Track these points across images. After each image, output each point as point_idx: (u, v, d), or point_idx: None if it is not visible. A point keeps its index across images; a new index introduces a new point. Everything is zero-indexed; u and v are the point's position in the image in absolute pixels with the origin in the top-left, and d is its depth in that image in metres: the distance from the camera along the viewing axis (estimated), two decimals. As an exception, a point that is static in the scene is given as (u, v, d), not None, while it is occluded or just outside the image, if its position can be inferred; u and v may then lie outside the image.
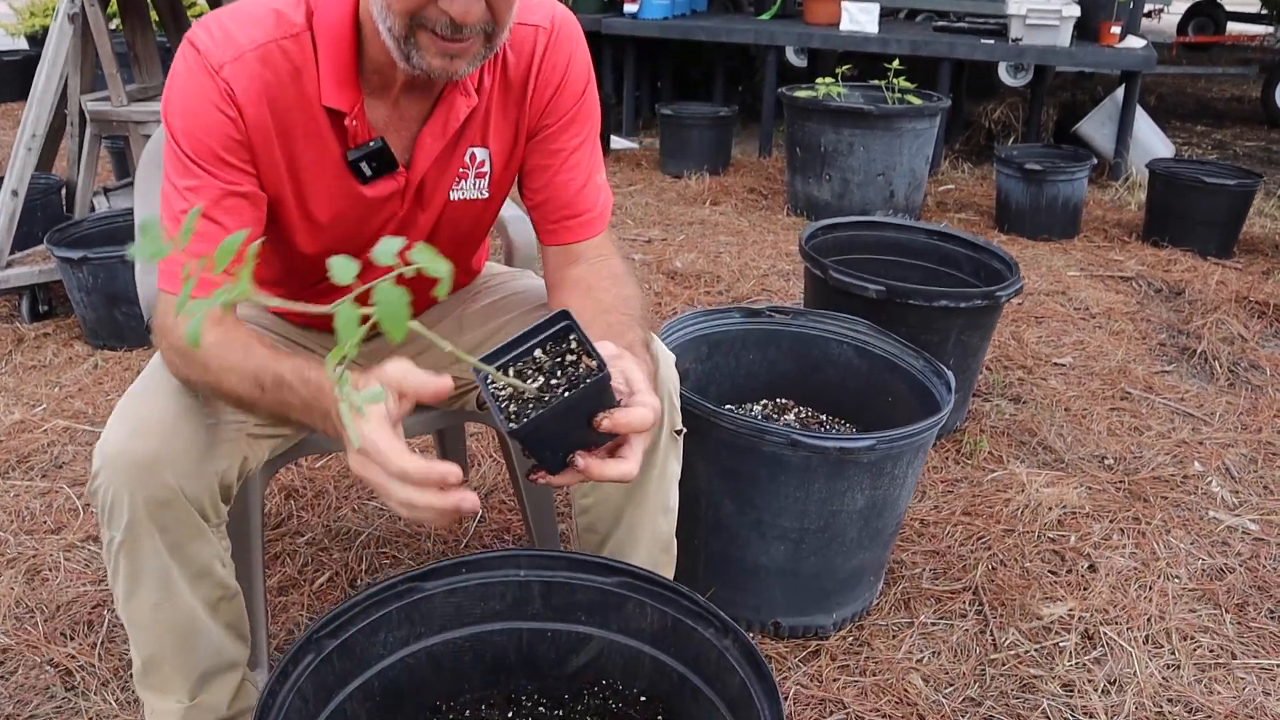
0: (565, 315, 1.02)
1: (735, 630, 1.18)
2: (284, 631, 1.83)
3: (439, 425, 1.88)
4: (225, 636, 1.30)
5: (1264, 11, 9.83)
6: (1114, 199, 4.83)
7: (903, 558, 2.07)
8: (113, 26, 3.76)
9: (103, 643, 1.79)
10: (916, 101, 4.25)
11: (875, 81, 4.50)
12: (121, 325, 2.95)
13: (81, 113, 3.37)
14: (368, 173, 1.24)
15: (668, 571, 1.51)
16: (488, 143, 1.30)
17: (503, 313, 1.49)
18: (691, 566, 1.86)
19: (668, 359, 1.37)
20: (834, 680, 1.74)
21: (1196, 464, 2.48)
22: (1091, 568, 2.07)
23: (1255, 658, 1.84)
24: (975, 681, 1.77)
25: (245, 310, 1.47)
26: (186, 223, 0.69)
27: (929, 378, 1.90)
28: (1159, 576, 2.05)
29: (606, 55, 6.08)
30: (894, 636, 1.86)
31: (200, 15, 4.23)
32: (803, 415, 2.13)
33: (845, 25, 5.31)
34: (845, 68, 4.53)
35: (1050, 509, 2.25)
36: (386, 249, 0.66)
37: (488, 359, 0.99)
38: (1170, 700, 1.73)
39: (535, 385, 0.98)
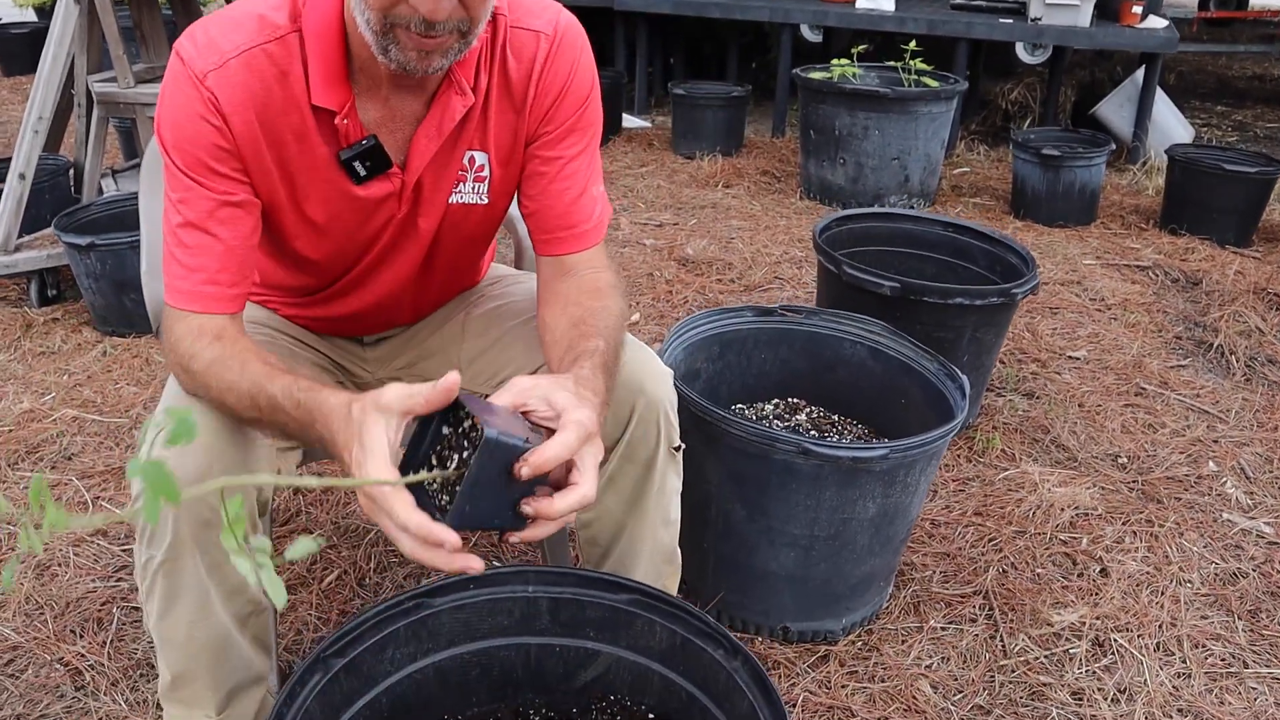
0: None
1: (744, 652, 1.17)
2: (292, 631, 1.83)
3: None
4: (252, 650, 1.31)
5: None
6: (1132, 183, 4.77)
7: (913, 560, 2.06)
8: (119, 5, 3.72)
9: (112, 641, 1.80)
10: (933, 84, 4.19)
11: (891, 63, 4.44)
12: (130, 312, 2.94)
13: (89, 93, 3.34)
14: (361, 172, 1.22)
15: (672, 581, 1.50)
16: (486, 146, 1.28)
17: (504, 320, 1.47)
18: (701, 570, 1.85)
19: (662, 376, 1.35)
20: (842, 687, 1.74)
21: (1211, 464, 2.46)
22: (1103, 572, 2.05)
23: (1267, 666, 1.83)
24: (984, 689, 1.76)
25: (255, 312, 1.46)
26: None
27: (943, 381, 1.87)
28: (1171, 581, 2.03)
29: (619, 31, 6.02)
30: (903, 641, 1.86)
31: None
32: (815, 415, 2.11)
33: (861, 3, 5.23)
34: (861, 47, 4.47)
35: (1062, 510, 2.23)
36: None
37: (406, 462, 1.02)
38: (1180, 710, 1.72)
39: (453, 468, 0.99)
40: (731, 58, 6.22)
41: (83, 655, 1.76)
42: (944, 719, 1.68)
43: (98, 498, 2.21)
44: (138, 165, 3.78)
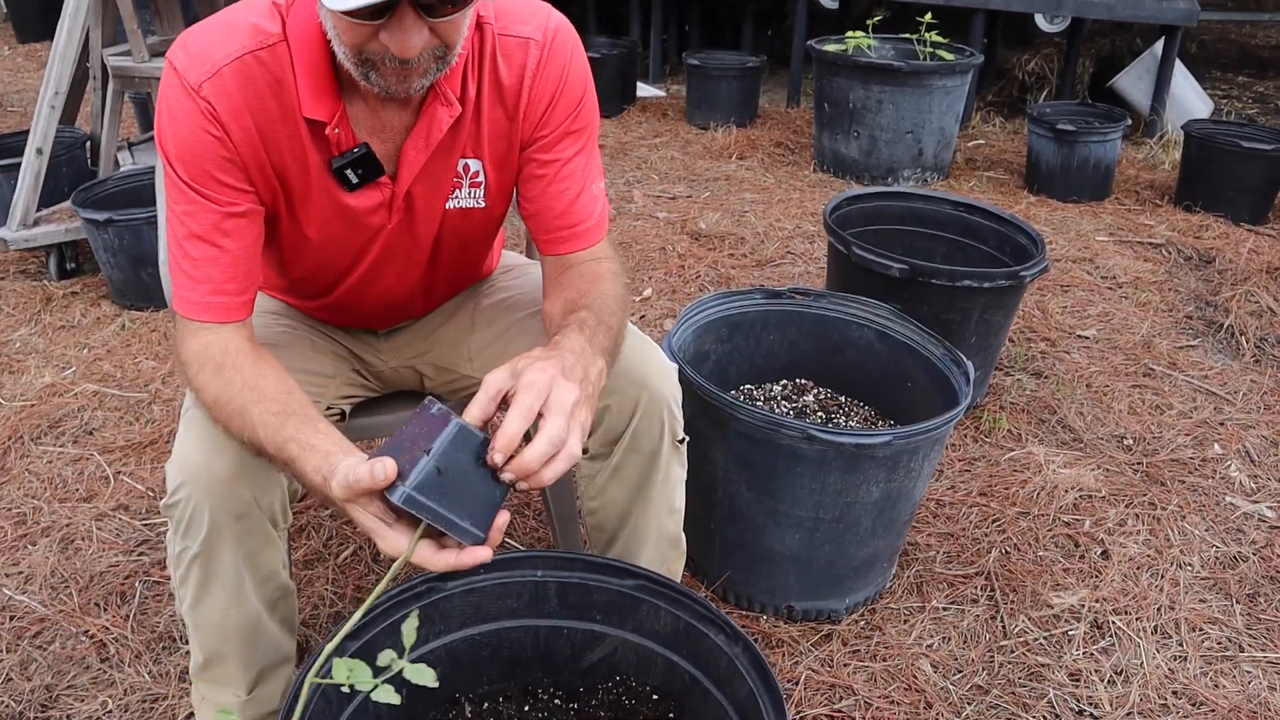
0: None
1: (745, 639, 1.21)
2: (309, 606, 1.89)
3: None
4: (280, 633, 1.36)
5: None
6: (1148, 157, 4.74)
7: (917, 540, 2.10)
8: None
9: (135, 615, 1.85)
10: (948, 57, 4.16)
11: (907, 35, 4.41)
12: (148, 286, 2.98)
13: (104, 67, 3.36)
14: (354, 179, 1.23)
15: (677, 565, 1.54)
16: (480, 153, 1.29)
17: (513, 311, 1.50)
18: (708, 550, 1.89)
19: (666, 372, 1.38)
20: (844, 665, 1.78)
21: (1216, 446, 2.48)
22: (1104, 554, 2.08)
23: (1263, 651, 1.86)
24: (984, 669, 1.80)
25: (273, 304, 1.50)
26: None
27: (948, 367, 1.90)
28: (1171, 564, 2.06)
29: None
30: (905, 621, 1.89)
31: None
32: (822, 397, 2.14)
33: (878, -28, 5.18)
34: (877, 18, 4.43)
35: (1066, 491, 2.26)
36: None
37: (384, 450, 1.02)
38: (1175, 693, 1.76)
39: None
40: (747, 25, 6.17)
41: (107, 628, 1.82)
42: (943, 698, 1.72)
43: (119, 472, 2.26)
44: (152, 137, 3.81)
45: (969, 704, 1.72)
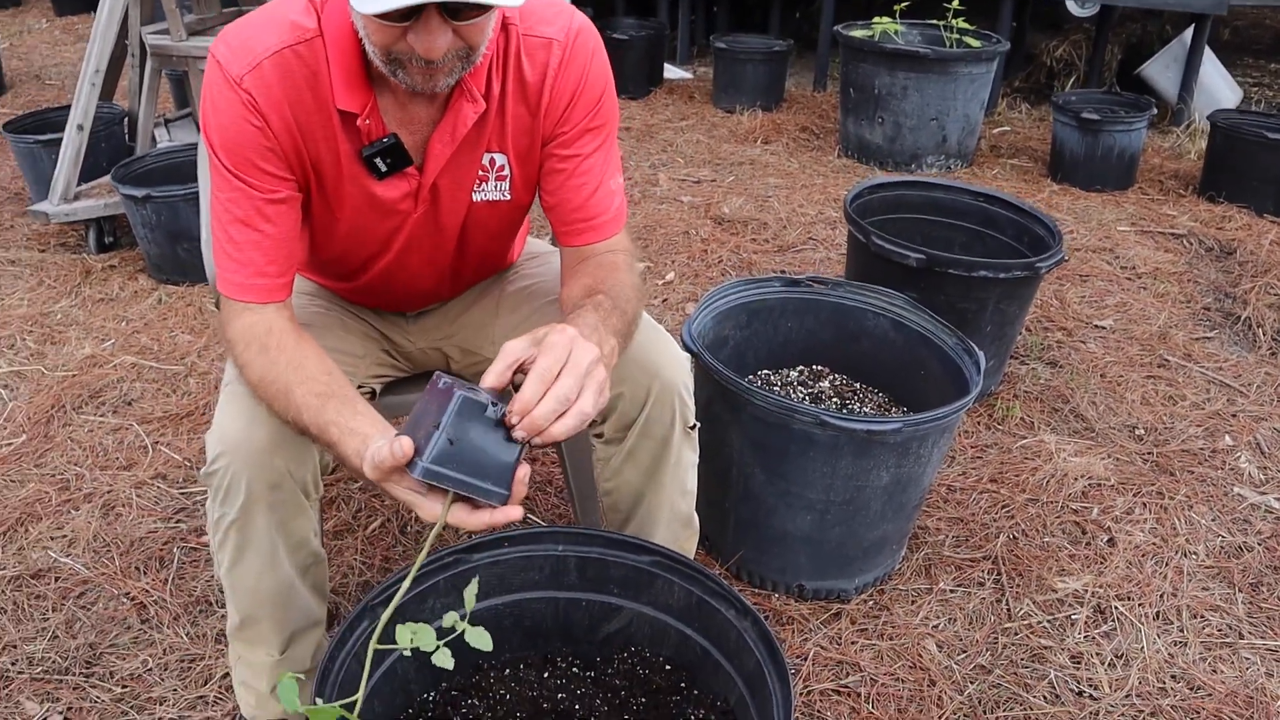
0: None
1: (753, 614, 1.27)
2: (339, 574, 1.97)
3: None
4: (312, 598, 1.44)
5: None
6: (1174, 146, 4.73)
7: (927, 524, 2.15)
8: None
9: (173, 579, 1.94)
10: (975, 44, 4.17)
11: (933, 21, 4.41)
12: (184, 261, 3.07)
13: (142, 44, 3.44)
14: (383, 168, 1.29)
15: (690, 544, 1.61)
16: (505, 147, 1.35)
17: (536, 298, 1.56)
18: (722, 530, 1.96)
19: (678, 361, 1.43)
20: (852, 643, 1.84)
21: (1227, 437, 2.51)
22: (1110, 541, 2.13)
23: (1262, 638, 1.91)
24: (987, 649, 1.86)
25: (308, 285, 1.57)
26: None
27: (960, 356, 1.95)
28: (1176, 553, 2.10)
29: (662, -20, 5.99)
30: (913, 602, 1.95)
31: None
32: (837, 383, 2.19)
33: (907, -44, 5.17)
34: (904, 4, 4.44)
35: (1076, 480, 2.30)
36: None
37: (404, 429, 1.09)
38: (1173, 677, 1.81)
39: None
40: (775, 7, 6.17)
41: (147, 591, 1.91)
42: (946, 676, 1.79)
43: (157, 442, 2.35)
44: (189, 114, 3.89)
45: (971, 682, 1.78)
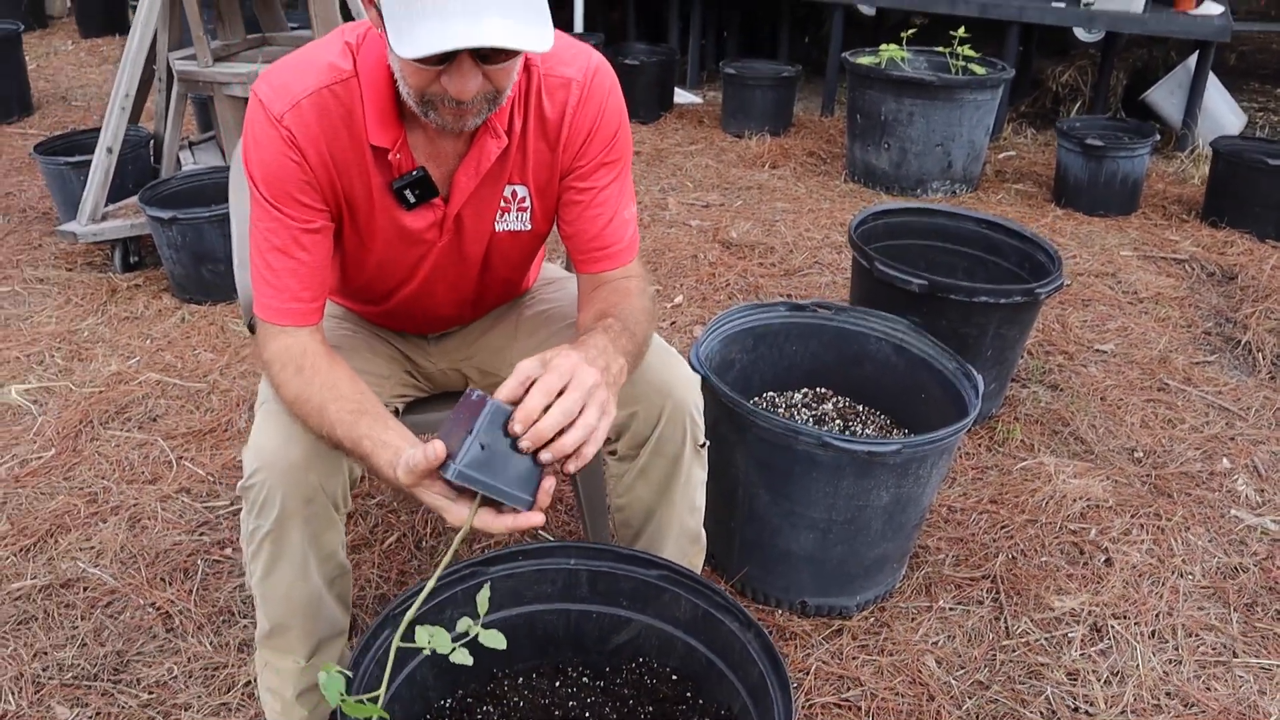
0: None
1: (757, 626, 1.33)
2: (356, 588, 2.03)
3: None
4: (337, 608, 1.51)
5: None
6: (1177, 171, 4.79)
7: (928, 543, 2.21)
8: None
9: (197, 590, 2.01)
10: (980, 71, 4.24)
11: (940, 49, 4.49)
12: (208, 281, 3.15)
13: (169, 69, 3.54)
14: (411, 199, 1.38)
15: (698, 559, 1.67)
16: (526, 180, 1.43)
17: (552, 323, 1.64)
18: (728, 548, 2.02)
19: (689, 382, 1.51)
20: (853, 659, 1.90)
21: (1225, 460, 2.57)
22: (1108, 562, 2.18)
23: (1256, 657, 1.96)
24: (985, 666, 1.91)
25: (335, 309, 1.65)
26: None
27: (960, 380, 2.01)
28: (1172, 573, 2.16)
29: (673, 7, 6.09)
30: (913, 620, 2.01)
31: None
32: (841, 405, 2.26)
33: (914, -16, 5.26)
34: (911, 31, 4.52)
35: (1074, 501, 2.36)
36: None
37: (438, 436, 1.16)
38: (1168, 694, 1.86)
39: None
40: (784, 32, 6.27)
41: (172, 601, 1.98)
42: (945, 692, 1.84)
43: (181, 458, 2.43)
44: (212, 137, 3.99)
45: (969, 698, 1.83)
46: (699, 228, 3.93)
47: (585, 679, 1.49)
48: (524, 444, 1.12)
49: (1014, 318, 2.48)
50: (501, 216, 1.45)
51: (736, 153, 4.89)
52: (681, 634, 1.45)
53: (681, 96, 5.88)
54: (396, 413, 1.64)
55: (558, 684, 1.48)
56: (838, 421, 2.21)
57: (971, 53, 4.31)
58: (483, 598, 1.17)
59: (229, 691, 1.78)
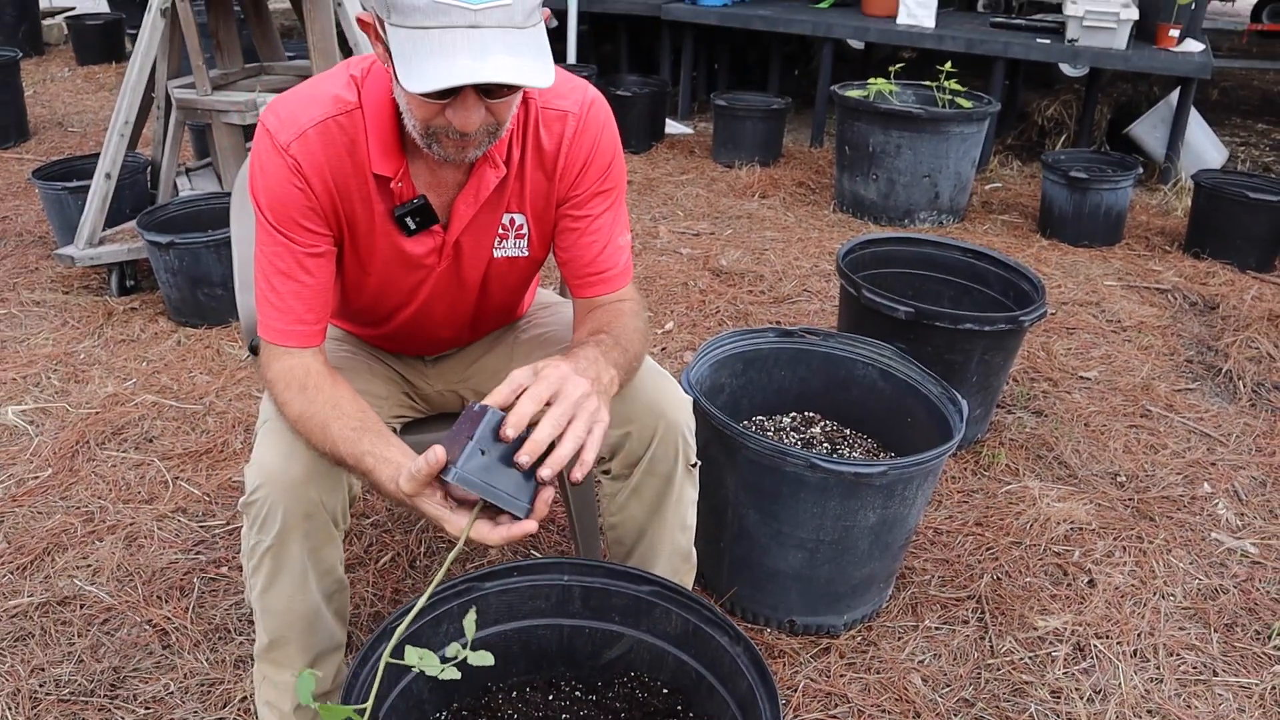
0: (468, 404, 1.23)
1: (746, 640, 1.37)
2: (351, 606, 2.05)
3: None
4: (335, 622, 1.54)
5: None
6: (1161, 203, 4.88)
7: (914, 565, 2.24)
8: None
9: (194, 607, 2.03)
10: (966, 105, 4.33)
11: (927, 83, 4.58)
12: (204, 305, 3.19)
13: (168, 96, 3.59)
14: (412, 226, 1.43)
15: (688, 577, 1.70)
16: (524, 208, 1.48)
17: (548, 345, 1.68)
18: (718, 567, 2.05)
19: (681, 403, 1.55)
20: (840, 676, 1.93)
21: (1206, 485, 2.61)
22: (1091, 583, 2.22)
23: (1236, 676, 1.99)
24: (970, 684, 1.94)
25: (336, 332, 1.70)
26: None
27: (945, 404, 2.05)
28: (1154, 594, 2.20)
29: (665, 39, 6.20)
30: (899, 638, 2.04)
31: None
32: (828, 429, 2.30)
33: (902, 19, 5.37)
34: (899, 66, 4.62)
35: (1058, 524, 2.40)
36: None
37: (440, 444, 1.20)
38: (1150, 711, 1.90)
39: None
40: (774, 66, 6.37)
41: (169, 618, 2.00)
42: (931, 709, 1.87)
43: (177, 478, 2.45)
44: (209, 164, 4.04)
45: (955, 715, 1.86)
46: (690, 255, 3.99)
47: (578, 693, 1.52)
48: (522, 458, 1.16)
49: (998, 344, 2.53)
50: (500, 243, 1.50)
51: (727, 182, 4.96)
52: (672, 648, 1.48)
53: (673, 127, 5.96)
54: (394, 432, 1.67)
55: (551, 698, 1.51)
56: (826, 445, 2.25)
57: (958, 86, 4.40)
58: (469, 622, 1.20)
59: (225, 707, 1.79)
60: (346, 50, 3.48)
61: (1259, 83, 8.51)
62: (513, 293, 1.64)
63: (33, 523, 2.28)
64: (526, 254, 1.53)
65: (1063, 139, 5.73)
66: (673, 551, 1.63)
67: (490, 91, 1.22)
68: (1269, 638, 2.09)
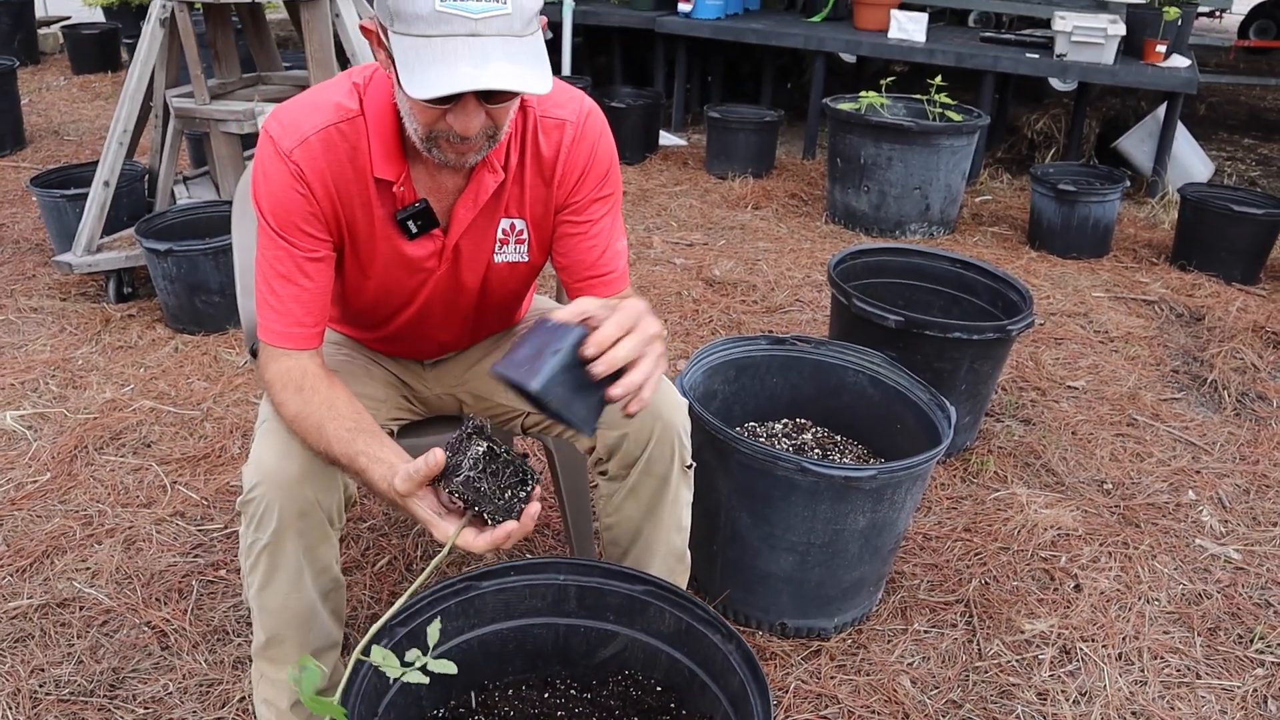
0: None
1: (738, 638, 1.40)
2: (348, 608, 2.08)
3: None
4: (331, 621, 1.57)
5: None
6: (1148, 217, 4.94)
7: (904, 569, 2.28)
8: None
9: (192, 609, 2.06)
10: (956, 118, 4.39)
11: (918, 96, 4.64)
12: (201, 312, 3.22)
13: (166, 105, 3.62)
14: (413, 229, 1.46)
15: (682, 578, 1.73)
16: (523, 214, 1.52)
17: None
18: (710, 570, 2.08)
19: (678, 405, 1.59)
20: (831, 678, 1.96)
21: (1191, 492, 2.65)
22: (1077, 587, 2.26)
23: (1218, 679, 2.03)
24: (958, 686, 1.97)
25: (335, 336, 1.72)
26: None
27: (934, 411, 2.09)
28: (1139, 599, 2.23)
29: (659, 51, 6.25)
30: (889, 641, 2.07)
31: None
32: (819, 435, 2.33)
33: (894, 33, 5.43)
34: (890, 79, 4.68)
35: (1045, 530, 2.44)
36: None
37: (508, 361, 1.19)
38: (1134, 713, 1.93)
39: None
40: (767, 78, 6.43)
41: (167, 620, 2.02)
42: (920, 710, 1.90)
43: (175, 482, 2.47)
44: (206, 173, 4.07)
45: (943, 716, 1.89)
46: (683, 266, 4.03)
47: (573, 690, 1.55)
48: (599, 367, 1.15)
49: (987, 353, 2.57)
50: (500, 248, 1.53)
51: (720, 194, 5.01)
52: (666, 647, 1.51)
53: (666, 139, 6.01)
54: (391, 434, 1.70)
55: (546, 695, 1.54)
56: (817, 450, 2.28)
57: (949, 100, 4.46)
58: (433, 630, 1.22)
59: (224, 707, 1.82)
60: (344, 61, 3.52)
61: (1245, 98, 8.61)
62: (511, 297, 1.67)
63: (32, 526, 2.30)
64: (527, 259, 1.57)
65: (1052, 152, 5.80)
66: (668, 552, 1.66)
67: (490, 97, 1.26)
68: (1251, 641, 2.13)
